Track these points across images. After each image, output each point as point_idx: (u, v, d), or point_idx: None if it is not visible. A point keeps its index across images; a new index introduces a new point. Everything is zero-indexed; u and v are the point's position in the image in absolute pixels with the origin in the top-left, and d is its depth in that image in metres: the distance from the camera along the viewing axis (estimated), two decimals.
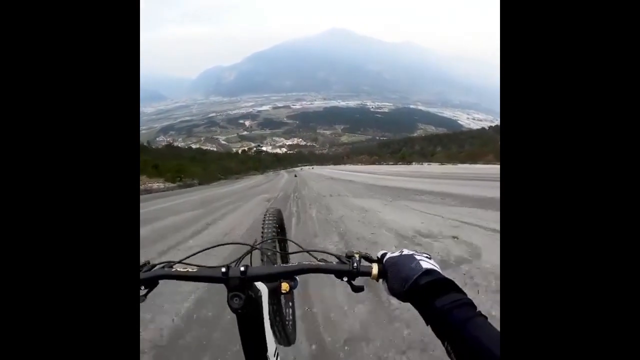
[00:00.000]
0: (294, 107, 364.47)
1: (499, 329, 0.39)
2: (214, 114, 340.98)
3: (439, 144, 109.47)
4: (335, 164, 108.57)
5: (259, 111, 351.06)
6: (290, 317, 0.97)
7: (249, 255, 0.63)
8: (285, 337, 0.84)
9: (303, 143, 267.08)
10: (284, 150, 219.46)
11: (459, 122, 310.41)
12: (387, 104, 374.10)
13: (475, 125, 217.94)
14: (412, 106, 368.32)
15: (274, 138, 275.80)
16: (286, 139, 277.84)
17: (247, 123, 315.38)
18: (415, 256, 0.52)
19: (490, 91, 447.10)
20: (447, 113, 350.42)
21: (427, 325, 0.45)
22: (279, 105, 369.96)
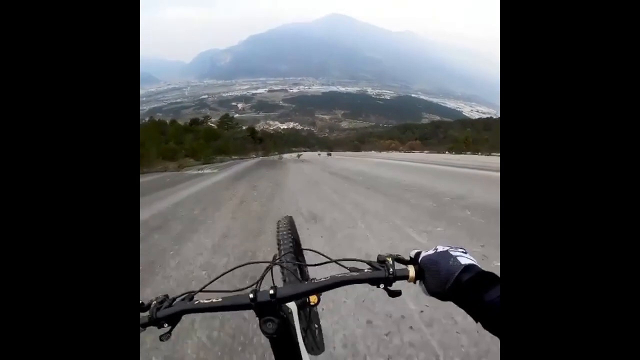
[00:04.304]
0: (290, 91, 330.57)
1: None
2: (205, 96, 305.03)
3: (486, 130, 77.74)
4: (354, 149, 73.37)
5: (254, 94, 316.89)
6: (316, 326, 0.90)
7: (270, 273, 0.58)
8: (316, 346, 0.79)
9: (300, 127, 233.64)
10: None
11: (463, 113, 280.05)
12: (387, 91, 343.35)
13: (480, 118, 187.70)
14: (413, 95, 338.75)
15: (267, 121, 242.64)
16: (281, 122, 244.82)
17: (240, 105, 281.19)
18: (451, 252, 0.48)
19: (489, 84, 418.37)
20: (450, 104, 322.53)
21: (477, 322, 0.42)
22: (275, 88, 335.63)
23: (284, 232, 0.81)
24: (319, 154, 45.01)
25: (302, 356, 0.54)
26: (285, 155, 48.60)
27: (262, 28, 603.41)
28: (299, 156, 39.63)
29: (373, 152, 52.65)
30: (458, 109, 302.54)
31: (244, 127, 77.65)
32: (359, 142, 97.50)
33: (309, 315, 0.69)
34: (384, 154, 42.25)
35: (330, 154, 41.22)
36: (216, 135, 46.36)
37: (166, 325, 0.50)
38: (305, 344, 0.59)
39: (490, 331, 0.41)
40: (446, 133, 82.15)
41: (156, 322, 0.49)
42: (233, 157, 40.59)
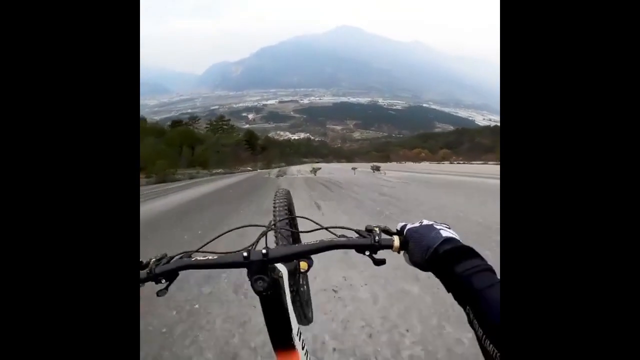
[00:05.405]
0: (301, 102, 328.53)
1: None
2: (216, 107, 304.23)
3: None
4: (381, 160, 58.07)
5: (265, 105, 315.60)
6: (306, 297, 0.92)
7: (265, 238, 0.61)
8: (304, 316, 0.81)
9: (312, 138, 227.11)
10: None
11: (476, 122, 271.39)
12: (399, 101, 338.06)
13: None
14: (425, 105, 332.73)
15: (278, 132, 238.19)
16: (292, 133, 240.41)
17: (251, 116, 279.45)
18: (435, 226, 0.50)
19: (498, 92, 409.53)
20: (462, 113, 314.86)
21: (449, 292, 0.44)
22: (286, 99, 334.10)
23: (280, 202, 0.83)
24: (354, 169, 25.28)
25: (292, 322, 0.56)
26: (294, 169, 32.37)
27: (273, 40, 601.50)
28: (314, 172, 22.40)
29: (410, 163, 44.05)
30: (470, 118, 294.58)
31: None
32: (376, 152, 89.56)
33: (299, 281, 0.73)
34: (424, 165, 34.47)
35: (378, 169, 22.95)
36: (194, 140, 34.61)
37: (164, 281, 0.53)
38: (294, 311, 0.61)
39: (459, 302, 0.42)
40: (473, 141, 74.34)
41: (154, 278, 0.52)
42: (215, 170, 29.79)
